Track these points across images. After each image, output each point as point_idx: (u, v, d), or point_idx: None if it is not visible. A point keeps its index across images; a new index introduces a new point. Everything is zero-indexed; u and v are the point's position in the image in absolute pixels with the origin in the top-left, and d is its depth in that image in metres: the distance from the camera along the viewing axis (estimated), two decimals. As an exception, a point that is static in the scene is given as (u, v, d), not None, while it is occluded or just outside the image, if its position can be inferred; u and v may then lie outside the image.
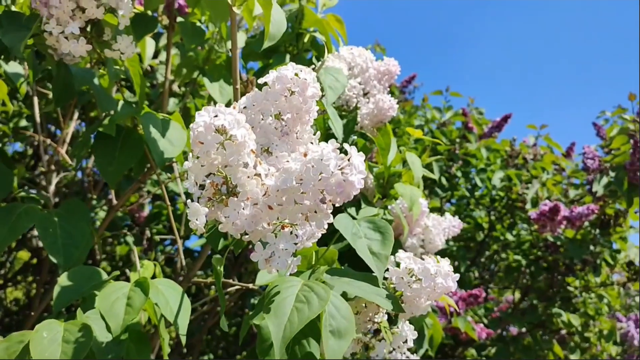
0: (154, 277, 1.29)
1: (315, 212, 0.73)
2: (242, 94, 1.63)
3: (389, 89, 1.57)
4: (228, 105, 1.76)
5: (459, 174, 2.87)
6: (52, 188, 1.73)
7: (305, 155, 0.72)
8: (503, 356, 2.68)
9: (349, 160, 0.70)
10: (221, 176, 0.75)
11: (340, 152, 0.70)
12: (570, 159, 3.20)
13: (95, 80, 1.34)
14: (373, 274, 0.97)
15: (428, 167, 2.38)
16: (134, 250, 1.42)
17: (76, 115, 2.15)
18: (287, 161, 0.75)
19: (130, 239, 2.46)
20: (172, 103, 2.12)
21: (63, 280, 1.01)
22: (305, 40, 1.75)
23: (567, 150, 3.32)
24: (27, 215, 1.08)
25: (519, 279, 3.08)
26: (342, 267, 1.04)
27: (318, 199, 0.71)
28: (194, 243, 2.65)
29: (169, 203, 1.29)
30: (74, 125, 2.14)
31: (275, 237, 0.76)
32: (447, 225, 1.70)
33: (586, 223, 2.74)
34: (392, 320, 1.03)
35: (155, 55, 2.22)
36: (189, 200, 0.76)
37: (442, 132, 2.85)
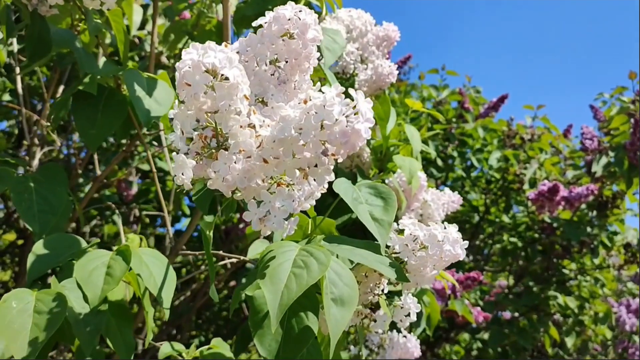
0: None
1: (316, 166, 0.65)
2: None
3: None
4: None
5: (455, 154, 2.80)
6: (35, 163, 1.64)
7: (305, 102, 0.64)
8: (498, 339, 2.63)
9: (354, 106, 0.62)
10: (211, 127, 0.68)
11: (346, 98, 0.63)
12: (568, 140, 3.14)
13: (77, 43, 1.25)
14: (375, 242, 0.90)
15: (424, 144, 2.31)
16: (119, 224, 1.34)
17: (61, 88, 2.06)
18: (284, 109, 0.67)
19: (117, 217, 2.37)
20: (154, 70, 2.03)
21: (38, 248, 0.93)
22: (301, 3, 1.67)
23: (564, 132, 3.26)
24: (0, 179, 1.00)
25: (514, 262, 3.03)
26: (339, 236, 0.97)
27: (319, 150, 0.63)
28: (184, 222, 2.57)
29: (154, 170, 1.20)
30: (55, 98, 2.05)
31: (271, 194, 0.68)
32: (447, 200, 1.63)
33: (583, 205, 2.69)
34: (393, 293, 0.97)
35: (142, 26, 2.12)
36: (174, 153, 0.68)
37: (438, 111, 2.78)
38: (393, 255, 0.89)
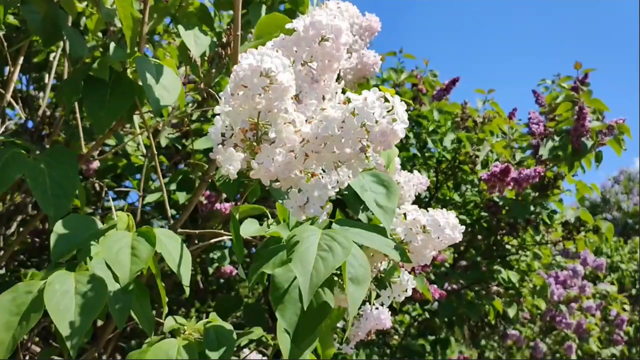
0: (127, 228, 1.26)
1: (353, 160, 0.74)
2: (220, 45, 1.59)
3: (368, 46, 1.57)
4: (203, 55, 1.71)
5: (410, 135, 2.92)
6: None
7: (345, 102, 0.72)
8: (448, 311, 2.80)
9: (392, 108, 0.70)
10: (250, 122, 0.74)
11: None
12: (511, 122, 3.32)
13: (68, 23, 1.27)
14: (380, 225, 0.99)
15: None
16: (110, 201, 1.38)
17: (21, 60, 2.03)
18: (323, 109, 0.74)
19: (80, 191, 2.36)
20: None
21: (59, 228, 0.97)
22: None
23: (509, 116, 3.44)
24: (14, 163, 1.02)
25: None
26: (344, 218, 1.06)
27: (358, 147, 0.72)
28: (147, 198, 2.58)
29: (155, 152, 1.25)
30: (17, 71, 2.01)
31: (308, 184, 0.76)
32: (416, 182, 1.74)
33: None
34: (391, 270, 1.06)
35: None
36: (219, 146, 0.75)
37: (397, 94, 2.88)
38: (395, 236, 0.99)
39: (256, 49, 1.42)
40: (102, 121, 1.11)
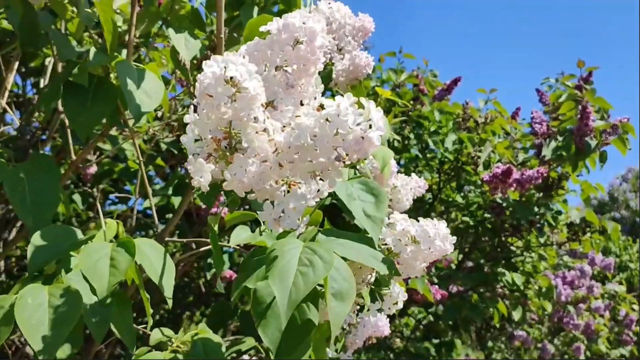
0: (117, 236, 1.24)
1: (329, 169, 0.70)
2: (210, 48, 1.57)
3: (362, 47, 1.54)
4: (194, 60, 1.68)
5: (411, 136, 2.89)
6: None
7: (318, 109, 0.69)
8: (452, 313, 2.77)
9: (367, 115, 0.67)
10: (224, 131, 0.71)
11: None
12: (515, 122, 3.28)
13: (54, 26, 1.24)
14: (366, 234, 0.96)
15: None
16: (99, 208, 1.35)
17: (16, 65, 2.01)
18: (297, 115, 0.71)
19: (77, 197, 2.35)
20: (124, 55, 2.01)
21: (36, 239, 0.94)
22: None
23: (513, 115, 3.39)
24: (-9, 170, 1.00)
25: (463, 239, 3.17)
26: (332, 228, 1.03)
27: (333, 156, 0.68)
28: (144, 203, 2.57)
29: (141, 158, 1.22)
30: (13, 76, 1.99)
31: (284, 195, 0.73)
32: (414, 186, 1.71)
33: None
34: (381, 282, 1.03)
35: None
36: (191, 157, 0.72)
37: (397, 94, 2.86)
38: (383, 246, 0.95)
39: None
40: (83, 126, 1.09)
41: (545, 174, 2.51)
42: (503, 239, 3.00)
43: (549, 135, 2.70)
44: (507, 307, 2.89)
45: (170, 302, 0.95)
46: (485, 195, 2.93)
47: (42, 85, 2.10)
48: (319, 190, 0.78)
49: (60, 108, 1.75)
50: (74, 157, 1.46)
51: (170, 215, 2.43)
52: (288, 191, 0.74)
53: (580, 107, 2.54)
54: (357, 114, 0.66)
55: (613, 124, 2.53)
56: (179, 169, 2.32)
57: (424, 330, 3.47)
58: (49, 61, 1.98)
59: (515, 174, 2.48)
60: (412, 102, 2.92)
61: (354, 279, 0.85)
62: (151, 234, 2.75)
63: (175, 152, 2.20)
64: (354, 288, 0.83)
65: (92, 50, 1.09)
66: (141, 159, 1.20)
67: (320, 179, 0.74)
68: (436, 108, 2.85)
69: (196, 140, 0.75)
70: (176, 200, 2.00)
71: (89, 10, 1.09)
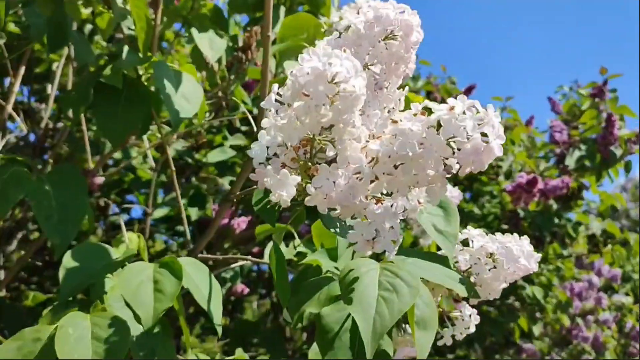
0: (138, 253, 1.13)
1: (435, 183, 0.60)
2: (242, 48, 1.46)
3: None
4: (219, 61, 1.57)
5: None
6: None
7: (423, 114, 0.59)
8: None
9: (486, 120, 0.57)
10: (305, 138, 0.61)
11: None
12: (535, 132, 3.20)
13: (73, 27, 1.14)
14: (439, 252, 0.86)
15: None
16: (121, 221, 1.24)
17: (22, 70, 1.90)
18: (395, 120, 0.61)
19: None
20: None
21: (68, 261, 0.83)
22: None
23: (527, 123, 3.31)
24: (16, 183, 0.88)
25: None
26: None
27: (442, 168, 0.58)
28: (155, 213, 2.45)
29: (173, 169, 1.11)
30: (19, 82, 1.88)
31: (376, 213, 0.62)
32: (450, 196, 1.61)
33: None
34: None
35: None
36: (268, 168, 0.61)
37: (414, 101, 2.77)
38: (456, 264, 0.85)
39: (281, 53, 1.29)
40: (115, 134, 0.98)
41: (570, 184, 2.42)
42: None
43: (571, 145, 2.61)
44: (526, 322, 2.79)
45: (219, 330, 0.84)
46: (502, 205, 2.84)
47: (49, 91, 1.99)
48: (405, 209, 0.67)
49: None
50: (91, 166, 1.35)
51: (180, 227, 2.32)
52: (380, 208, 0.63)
53: (605, 115, 2.46)
54: (477, 119, 0.56)
55: (639, 132, 2.46)
56: (191, 179, 2.21)
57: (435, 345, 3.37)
58: (57, 66, 1.87)
59: (540, 184, 2.39)
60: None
61: (435, 303, 0.75)
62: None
63: (190, 161, 2.08)
64: (436, 314, 0.74)
65: (125, 49, 0.98)
66: (173, 167, 1.09)
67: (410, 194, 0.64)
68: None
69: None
70: (192, 212, 1.89)
71: (122, 6, 0.98)
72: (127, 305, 0.76)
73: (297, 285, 0.92)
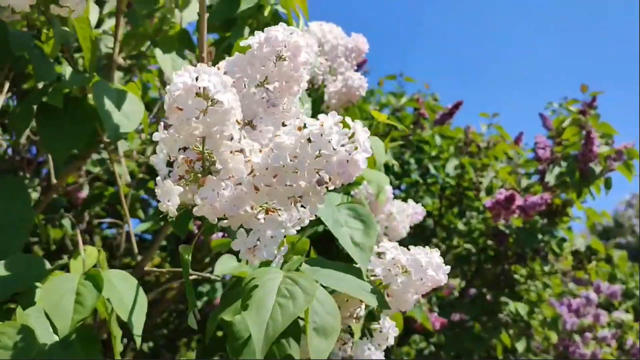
0: (95, 265, 1.16)
1: (310, 194, 0.63)
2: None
3: (356, 68, 1.48)
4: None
5: (412, 160, 2.82)
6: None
7: (300, 128, 0.62)
8: (453, 344, 2.67)
9: (352, 136, 0.60)
10: (196, 151, 0.64)
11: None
12: (518, 147, 3.21)
13: (34, 46, 1.19)
14: (354, 264, 0.89)
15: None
16: (78, 235, 1.28)
17: (6, 86, 1.96)
18: (277, 135, 0.64)
19: (66, 221, 2.27)
20: (117, 78, 1.96)
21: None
22: (266, 13, 1.63)
23: (516, 140, 3.32)
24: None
25: (467, 267, 3.07)
26: (318, 257, 0.95)
27: (314, 179, 0.61)
28: (137, 227, 2.49)
29: (120, 182, 1.15)
30: (3, 99, 1.94)
31: (260, 222, 0.66)
32: (411, 212, 1.64)
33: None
34: (372, 316, 0.96)
35: (98, 25, 2.04)
36: (158, 179, 0.65)
37: (397, 118, 2.80)
38: (372, 277, 0.88)
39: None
40: (59, 151, 1.02)
41: (549, 201, 2.43)
42: (506, 267, 2.91)
43: (553, 161, 2.63)
44: (510, 338, 2.78)
45: (138, 341, 0.87)
46: (487, 222, 2.85)
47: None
48: (299, 218, 0.71)
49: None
50: (54, 181, 1.39)
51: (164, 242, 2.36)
52: (265, 218, 0.67)
53: (584, 132, 2.47)
54: (342, 134, 0.60)
55: (618, 149, 2.46)
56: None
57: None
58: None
59: (519, 200, 2.40)
60: (412, 126, 2.86)
61: (340, 312, 0.77)
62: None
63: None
64: (339, 323, 0.76)
65: (68, 70, 1.03)
66: (122, 182, 1.13)
67: (302, 206, 0.67)
68: (437, 132, 2.79)
69: (169, 163, 0.68)
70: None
71: (65, 28, 1.03)
72: (46, 315, 0.79)
73: (225, 296, 0.96)
